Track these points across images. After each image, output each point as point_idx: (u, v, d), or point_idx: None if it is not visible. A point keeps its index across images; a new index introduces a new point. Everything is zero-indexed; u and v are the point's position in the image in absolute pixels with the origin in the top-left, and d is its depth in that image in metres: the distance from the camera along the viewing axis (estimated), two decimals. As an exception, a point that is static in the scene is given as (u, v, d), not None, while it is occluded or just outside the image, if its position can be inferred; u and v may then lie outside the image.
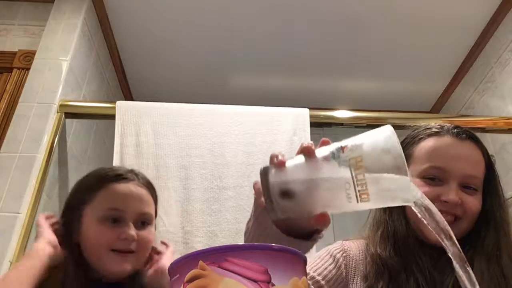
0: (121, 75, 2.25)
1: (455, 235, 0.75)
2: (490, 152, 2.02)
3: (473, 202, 0.77)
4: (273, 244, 0.36)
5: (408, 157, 0.84)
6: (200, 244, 1.29)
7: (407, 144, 0.86)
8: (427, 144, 0.82)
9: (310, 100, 2.22)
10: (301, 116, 1.49)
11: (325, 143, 0.52)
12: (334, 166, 0.48)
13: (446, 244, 0.51)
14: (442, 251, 0.77)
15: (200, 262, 0.34)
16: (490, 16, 1.94)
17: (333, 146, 0.50)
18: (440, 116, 1.89)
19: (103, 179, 0.91)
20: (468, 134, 0.82)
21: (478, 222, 0.78)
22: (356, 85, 2.38)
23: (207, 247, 0.51)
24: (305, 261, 0.39)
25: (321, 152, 0.50)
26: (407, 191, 0.49)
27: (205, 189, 1.36)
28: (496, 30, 1.96)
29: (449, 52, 2.14)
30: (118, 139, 1.43)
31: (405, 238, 0.77)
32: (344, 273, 0.79)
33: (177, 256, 0.41)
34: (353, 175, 0.47)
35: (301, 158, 0.51)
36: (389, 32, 2.04)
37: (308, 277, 0.77)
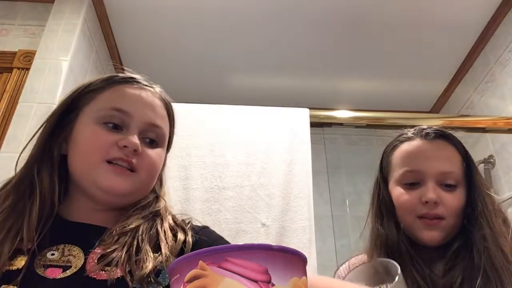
0: (121, 75, 2.25)
1: (443, 236, 0.78)
2: (490, 152, 2.04)
3: (452, 199, 0.79)
4: (273, 244, 0.36)
5: (388, 165, 0.89)
6: (200, 244, 1.29)
7: (386, 153, 0.91)
8: (400, 150, 0.87)
9: (310, 100, 2.23)
10: (301, 116, 1.49)
11: None
12: None
13: None
14: (435, 250, 0.78)
15: (200, 262, 0.34)
16: (490, 16, 1.94)
17: None
18: (440, 116, 1.89)
19: (110, 79, 0.73)
20: (438, 133, 0.86)
21: (465, 217, 0.80)
22: (356, 85, 2.38)
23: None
24: (305, 261, 0.39)
25: None
26: None
27: (205, 189, 1.36)
28: (496, 30, 1.96)
29: (449, 52, 2.14)
30: (118, 139, 1.43)
31: (397, 243, 0.79)
32: None
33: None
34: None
35: None
36: (389, 32, 2.04)
37: None
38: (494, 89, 1.98)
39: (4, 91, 1.61)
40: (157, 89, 0.77)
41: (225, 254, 0.34)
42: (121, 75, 0.74)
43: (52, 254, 0.59)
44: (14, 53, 1.70)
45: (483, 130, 1.57)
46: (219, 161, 1.40)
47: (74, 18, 1.76)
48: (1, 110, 1.56)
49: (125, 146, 0.65)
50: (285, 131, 1.44)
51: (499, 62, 1.94)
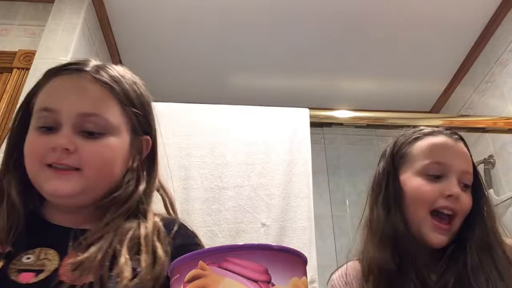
0: (121, 75, 2.25)
1: (449, 239, 0.78)
2: (490, 152, 2.03)
3: (467, 199, 0.81)
4: (273, 244, 0.36)
5: (403, 156, 0.87)
6: (200, 244, 1.29)
7: (402, 145, 0.89)
8: (425, 142, 0.86)
9: (310, 100, 2.22)
10: (301, 116, 1.49)
11: None
12: None
13: None
14: (441, 253, 0.78)
15: (200, 262, 0.34)
16: (490, 16, 1.94)
17: None
18: (440, 116, 1.89)
19: (45, 74, 0.68)
20: (459, 136, 0.88)
21: (468, 217, 0.81)
22: (356, 85, 2.38)
23: (207, 247, 0.51)
24: (305, 261, 0.39)
25: None
26: None
27: (205, 189, 1.36)
28: (496, 30, 1.96)
29: (449, 52, 2.14)
30: (118, 139, 1.43)
31: (406, 240, 0.78)
32: None
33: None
34: None
35: None
36: (389, 32, 2.04)
37: None
38: (494, 89, 1.98)
39: (4, 91, 1.61)
40: (104, 72, 0.68)
41: (225, 254, 0.34)
42: (58, 66, 0.68)
43: (28, 258, 0.59)
44: (14, 53, 1.70)
45: (483, 130, 1.57)
46: (219, 161, 1.40)
47: (74, 18, 1.76)
48: (1, 110, 1.56)
49: (53, 148, 0.61)
50: (285, 131, 1.44)
51: (499, 62, 1.94)
